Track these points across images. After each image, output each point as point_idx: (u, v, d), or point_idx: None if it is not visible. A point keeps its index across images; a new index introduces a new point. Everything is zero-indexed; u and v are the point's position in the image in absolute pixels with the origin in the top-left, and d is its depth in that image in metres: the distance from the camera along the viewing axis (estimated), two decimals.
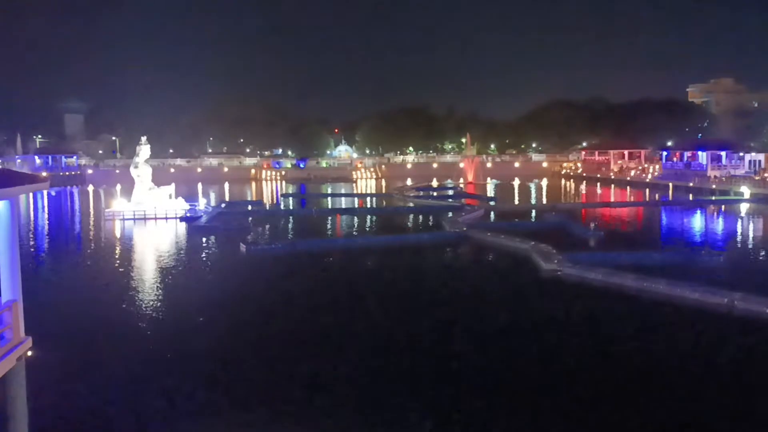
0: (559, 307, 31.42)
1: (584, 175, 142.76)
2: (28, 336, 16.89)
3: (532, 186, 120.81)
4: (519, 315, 30.23)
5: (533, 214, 74.55)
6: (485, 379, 22.02)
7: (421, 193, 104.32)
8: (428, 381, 21.77)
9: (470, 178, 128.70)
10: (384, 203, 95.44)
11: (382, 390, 21.12)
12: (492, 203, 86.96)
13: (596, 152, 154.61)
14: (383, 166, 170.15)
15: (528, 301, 33.02)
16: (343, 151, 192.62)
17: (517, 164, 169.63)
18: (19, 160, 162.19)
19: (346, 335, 27.07)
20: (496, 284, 37.33)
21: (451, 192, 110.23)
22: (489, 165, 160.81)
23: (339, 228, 66.83)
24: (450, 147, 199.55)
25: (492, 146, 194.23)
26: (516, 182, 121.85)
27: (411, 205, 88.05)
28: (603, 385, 21.63)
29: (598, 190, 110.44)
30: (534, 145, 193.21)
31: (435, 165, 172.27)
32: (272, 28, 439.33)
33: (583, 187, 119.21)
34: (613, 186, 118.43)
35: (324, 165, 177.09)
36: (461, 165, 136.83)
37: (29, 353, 16.80)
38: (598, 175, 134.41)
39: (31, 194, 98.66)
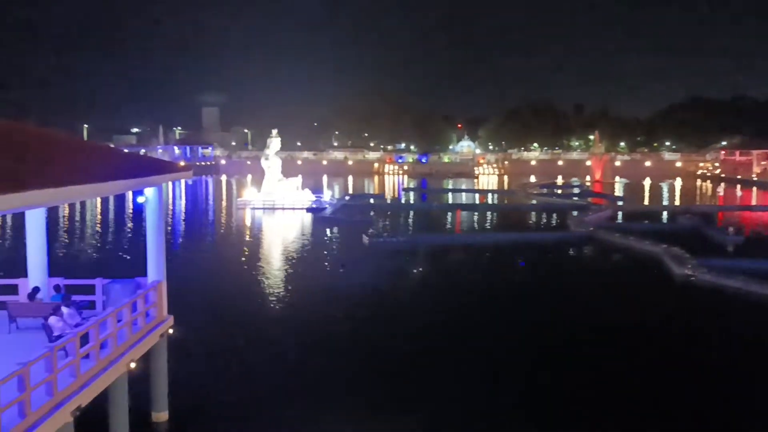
0: (693, 316, 29.79)
1: (722, 176, 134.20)
2: (170, 315, 18.09)
3: (665, 186, 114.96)
4: (650, 322, 28.85)
5: (665, 215, 70.97)
6: (616, 386, 21.24)
7: (545, 191, 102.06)
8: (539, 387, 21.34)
9: (598, 176, 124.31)
10: (506, 200, 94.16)
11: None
12: (620, 203, 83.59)
13: (737, 152, 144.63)
14: (506, 163, 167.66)
15: (659, 307, 31.45)
16: (466, 147, 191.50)
17: (648, 163, 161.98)
18: (160, 150, 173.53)
19: (462, 328, 26.95)
20: (625, 288, 35.76)
21: (576, 190, 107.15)
22: (618, 163, 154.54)
23: (459, 224, 66.61)
24: (577, 144, 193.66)
25: (622, 144, 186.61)
26: (647, 182, 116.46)
27: (534, 202, 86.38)
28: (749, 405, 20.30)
29: (738, 193, 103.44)
30: (667, 144, 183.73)
31: (560, 162, 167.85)
32: (399, 24, 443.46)
33: (721, 188, 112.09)
34: (755, 188, 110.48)
35: (446, 160, 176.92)
36: (588, 163, 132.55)
37: (171, 331, 17.98)
38: (739, 177, 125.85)
39: (171, 183, 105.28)
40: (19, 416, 11.07)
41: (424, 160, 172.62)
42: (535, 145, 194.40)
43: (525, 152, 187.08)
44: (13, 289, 18.16)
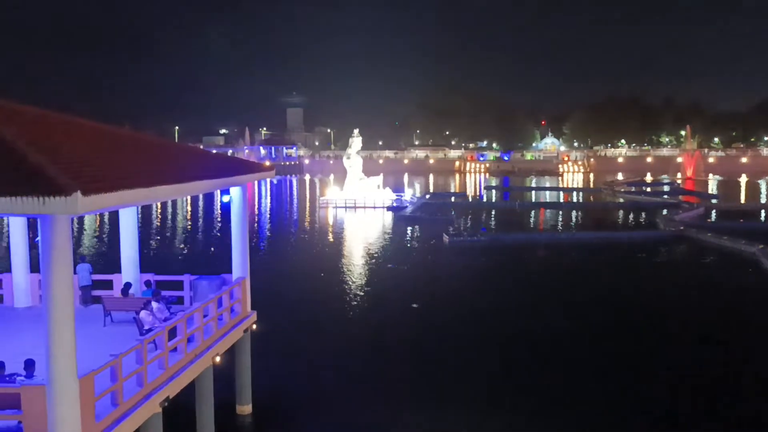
0: None
1: None
2: (253, 311, 18.55)
3: (763, 183, 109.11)
4: (746, 326, 27.41)
5: (763, 214, 67.39)
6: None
7: (633, 189, 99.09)
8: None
9: (689, 173, 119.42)
10: (592, 198, 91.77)
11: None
12: (714, 201, 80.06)
13: None
14: (592, 160, 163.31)
15: (756, 310, 29.84)
16: (550, 144, 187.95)
17: (744, 159, 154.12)
18: (246, 151, 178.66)
19: (550, 330, 26.39)
20: (718, 290, 34.08)
21: (666, 188, 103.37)
22: (711, 160, 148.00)
23: (542, 222, 65.37)
24: (667, 140, 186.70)
25: (716, 139, 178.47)
26: (743, 179, 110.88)
27: (621, 200, 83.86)
28: None
29: None
30: (766, 139, 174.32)
31: (649, 159, 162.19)
32: (480, 19, 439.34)
33: None
34: None
35: (529, 158, 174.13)
36: (679, 159, 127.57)
37: (254, 326, 18.43)
38: None
39: (256, 182, 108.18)
40: (112, 405, 11.59)
41: (506, 158, 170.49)
42: (623, 141, 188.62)
43: (612, 149, 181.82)
44: (108, 285, 19.11)
